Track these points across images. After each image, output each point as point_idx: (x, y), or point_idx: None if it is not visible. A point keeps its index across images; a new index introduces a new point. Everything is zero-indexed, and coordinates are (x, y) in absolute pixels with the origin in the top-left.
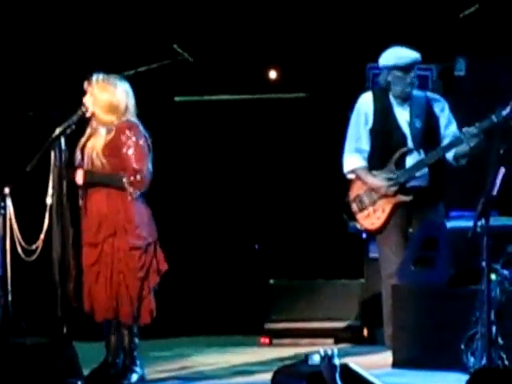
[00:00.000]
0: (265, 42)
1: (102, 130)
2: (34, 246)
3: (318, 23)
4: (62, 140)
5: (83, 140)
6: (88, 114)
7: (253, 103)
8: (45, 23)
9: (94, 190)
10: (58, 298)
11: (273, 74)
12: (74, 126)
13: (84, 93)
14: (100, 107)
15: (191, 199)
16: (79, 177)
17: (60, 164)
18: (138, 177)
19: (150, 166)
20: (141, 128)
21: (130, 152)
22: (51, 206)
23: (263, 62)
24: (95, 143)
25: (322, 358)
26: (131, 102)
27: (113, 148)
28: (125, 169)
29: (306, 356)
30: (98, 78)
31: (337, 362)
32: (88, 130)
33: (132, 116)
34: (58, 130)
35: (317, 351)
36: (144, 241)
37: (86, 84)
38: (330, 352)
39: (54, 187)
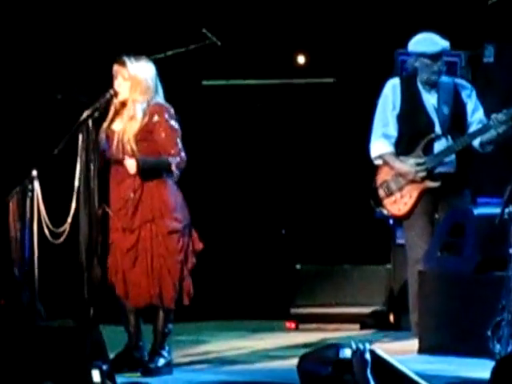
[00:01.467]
0: (293, 27)
1: (139, 114)
2: (61, 229)
3: (346, 8)
4: (90, 123)
5: (107, 123)
6: (121, 98)
7: (280, 88)
8: (74, 6)
9: (127, 174)
10: (84, 281)
11: (301, 59)
12: (101, 109)
13: (112, 77)
14: (140, 91)
15: (218, 184)
16: (132, 167)
17: (88, 147)
18: (181, 158)
19: None
20: (171, 109)
21: (166, 134)
22: (79, 188)
23: (291, 46)
24: (128, 127)
25: (354, 353)
26: (159, 83)
27: (146, 132)
28: (158, 151)
29: (338, 349)
30: (131, 59)
31: (368, 357)
32: (111, 113)
33: (161, 98)
34: (85, 113)
35: (348, 344)
36: (181, 223)
37: (116, 67)
38: (361, 346)
39: (81, 170)
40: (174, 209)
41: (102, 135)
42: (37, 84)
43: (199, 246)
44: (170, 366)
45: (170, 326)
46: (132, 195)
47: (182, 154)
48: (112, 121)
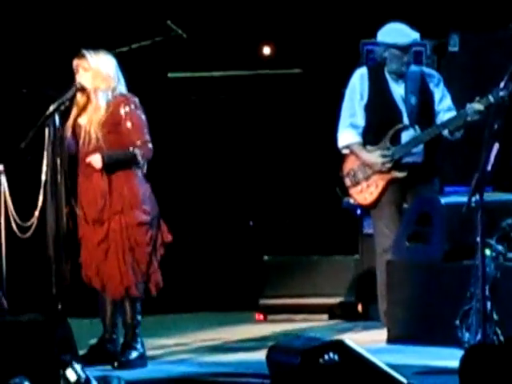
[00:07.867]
0: (259, 18)
1: (102, 104)
2: (28, 223)
3: None
4: (56, 117)
5: (72, 119)
6: (83, 89)
7: (247, 79)
8: (36, 1)
9: (95, 168)
10: (52, 275)
11: (267, 50)
12: (67, 103)
13: (74, 71)
14: (101, 79)
15: (184, 175)
16: (97, 162)
17: (54, 141)
18: (147, 148)
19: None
20: (137, 100)
21: (132, 125)
22: (45, 182)
23: (257, 38)
24: (92, 118)
25: None
26: (121, 74)
27: (113, 124)
28: (125, 143)
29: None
30: (90, 52)
31: None
32: (75, 108)
33: (124, 88)
34: (52, 107)
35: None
36: (149, 215)
37: (76, 61)
38: None
39: (48, 164)
40: (142, 201)
41: (68, 132)
42: (2, 78)
43: (168, 237)
44: (143, 359)
45: (139, 317)
46: (101, 188)
47: (149, 144)
48: (78, 116)
